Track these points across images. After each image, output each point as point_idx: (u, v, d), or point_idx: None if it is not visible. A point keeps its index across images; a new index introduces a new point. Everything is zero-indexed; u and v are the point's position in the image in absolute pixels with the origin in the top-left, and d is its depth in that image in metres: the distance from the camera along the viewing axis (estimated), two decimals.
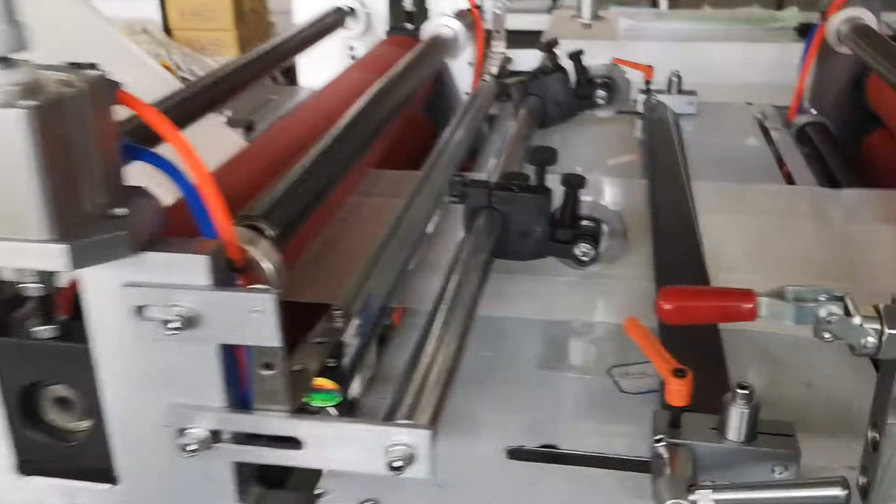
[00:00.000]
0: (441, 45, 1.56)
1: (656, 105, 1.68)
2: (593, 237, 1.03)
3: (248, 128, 1.59)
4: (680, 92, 1.72)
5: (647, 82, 1.70)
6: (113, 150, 0.61)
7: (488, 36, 1.84)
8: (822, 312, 0.53)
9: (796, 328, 0.55)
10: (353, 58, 1.86)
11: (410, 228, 1.07)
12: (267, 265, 0.67)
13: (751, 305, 0.54)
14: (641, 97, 1.69)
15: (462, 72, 1.85)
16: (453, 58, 1.65)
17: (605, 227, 1.06)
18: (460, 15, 1.74)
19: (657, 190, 1.29)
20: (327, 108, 1.31)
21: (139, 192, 0.63)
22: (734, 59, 1.98)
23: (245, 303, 0.59)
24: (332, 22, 1.75)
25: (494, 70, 1.76)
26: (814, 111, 1.72)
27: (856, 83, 1.69)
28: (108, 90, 0.60)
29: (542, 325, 0.96)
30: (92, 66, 0.61)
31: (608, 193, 1.36)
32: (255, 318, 0.60)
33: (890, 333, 0.51)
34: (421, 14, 1.83)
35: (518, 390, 0.85)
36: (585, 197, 1.06)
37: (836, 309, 0.53)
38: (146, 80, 1.20)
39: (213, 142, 1.24)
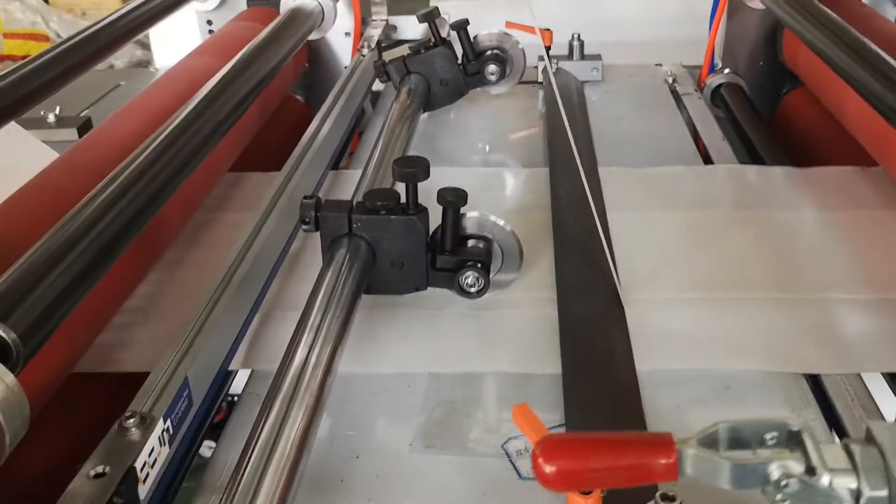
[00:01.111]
0: (304, 18, 1.33)
1: (557, 73, 1.50)
2: (481, 263, 0.84)
3: (84, 128, 1.34)
4: (583, 57, 1.54)
5: (547, 48, 1.51)
6: None
7: (367, 1, 1.62)
8: (774, 473, 0.36)
9: None
10: (210, 32, 1.62)
11: (259, 263, 0.87)
12: None
13: (669, 461, 0.36)
14: (541, 65, 1.50)
15: (341, 44, 1.63)
16: (321, 31, 1.42)
17: (495, 247, 0.88)
18: None
19: (558, 182, 1.11)
20: (158, 107, 1.08)
21: None
22: (641, 14, 1.81)
23: None
24: None
25: (375, 41, 1.54)
26: (727, 70, 1.56)
27: (770, 38, 1.53)
28: None
29: (424, 382, 0.78)
30: None
31: (503, 188, 1.18)
32: None
33: (873, 496, 0.34)
34: None
35: (391, 485, 0.66)
36: (471, 212, 0.87)
37: (792, 464, 0.36)
38: None
39: (11, 156, 0.99)
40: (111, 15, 1.39)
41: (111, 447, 0.58)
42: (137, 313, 0.88)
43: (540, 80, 1.52)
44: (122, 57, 3.16)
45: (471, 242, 0.87)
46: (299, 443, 0.59)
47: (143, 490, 0.59)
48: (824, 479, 0.35)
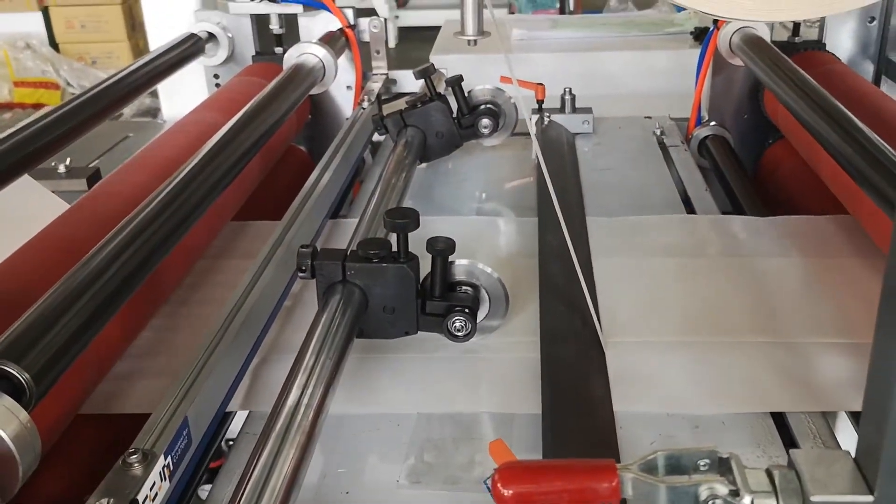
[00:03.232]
0: (306, 74, 1.40)
1: (549, 126, 1.56)
2: (468, 308, 0.89)
3: (93, 179, 1.40)
4: (574, 110, 1.60)
5: (539, 102, 1.58)
6: None
7: (368, 56, 1.70)
8: (703, 494, 0.40)
9: None
10: (217, 86, 1.69)
11: (257, 308, 0.92)
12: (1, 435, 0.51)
13: (611, 484, 0.41)
14: (534, 117, 1.57)
15: (344, 97, 1.70)
16: (323, 86, 1.49)
17: (482, 293, 0.92)
18: (331, 37, 1.59)
19: (546, 231, 1.16)
20: (164, 160, 1.14)
21: None
22: (631, 68, 1.88)
23: None
24: (189, 50, 1.57)
25: (375, 94, 1.61)
26: (713, 123, 1.62)
27: (753, 93, 1.60)
28: None
29: (413, 422, 0.82)
30: None
31: (495, 236, 1.23)
32: None
33: None
34: (291, 37, 1.67)
35: None
36: (460, 260, 0.92)
37: (719, 486, 0.40)
38: None
39: (22, 207, 1.05)
40: (122, 71, 1.46)
41: (115, 481, 0.62)
42: (141, 357, 0.93)
43: (531, 132, 1.58)
44: (132, 105, 3.25)
45: (460, 289, 0.92)
46: (290, 479, 0.63)
47: None
48: (745, 500, 0.39)
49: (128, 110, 3.57)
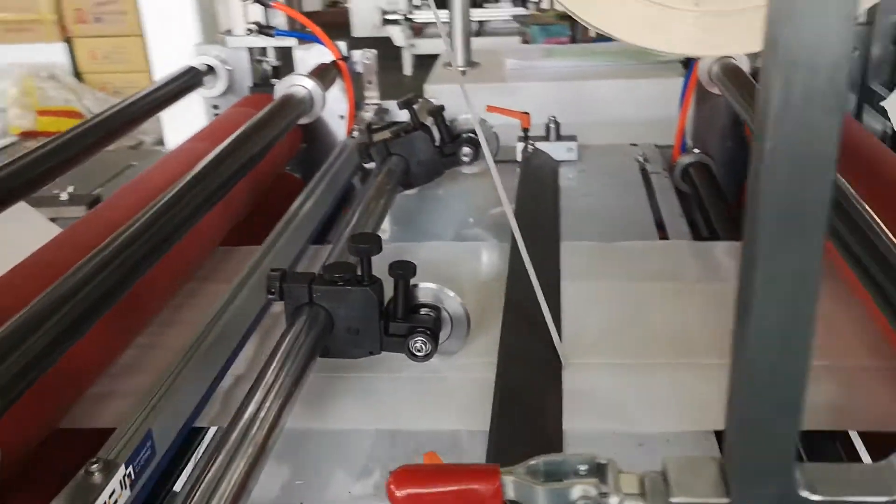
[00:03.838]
0: (295, 104, 1.46)
1: (534, 153, 1.61)
2: (429, 330, 0.93)
3: (93, 205, 1.47)
4: (559, 138, 1.65)
5: (525, 130, 1.63)
6: None
7: (360, 85, 1.75)
8: (576, 493, 0.44)
9: None
10: (216, 116, 1.76)
11: (229, 329, 0.96)
12: None
13: (495, 486, 0.45)
14: (520, 145, 1.61)
15: (337, 126, 1.76)
16: (311, 116, 1.55)
17: (444, 315, 0.96)
18: (324, 69, 1.65)
19: (516, 256, 1.20)
20: (156, 186, 1.20)
21: None
22: (621, 95, 1.92)
23: None
24: (187, 82, 1.64)
25: (366, 122, 1.66)
26: (697, 150, 1.66)
27: (736, 121, 1.63)
28: None
29: (370, 438, 0.86)
30: None
31: (470, 261, 1.27)
32: None
33: None
34: (287, 69, 1.73)
35: None
36: (428, 284, 0.96)
37: (590, 489, 0.44)
38: None
39: (18, 232, 1.11)
40: (123, 100, 1.53)
41: (76, 489, 0.67)
42: (122, 374, 0.97)
43: (517, 159, 1.62)
44: (150, 133, 3.33)
45: (423, 311, 0.96)
46: (239, 487, 0.67)
47: None
48: (613, 500, 0.43)
49: (148, 138, 3.67)
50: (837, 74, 0.32)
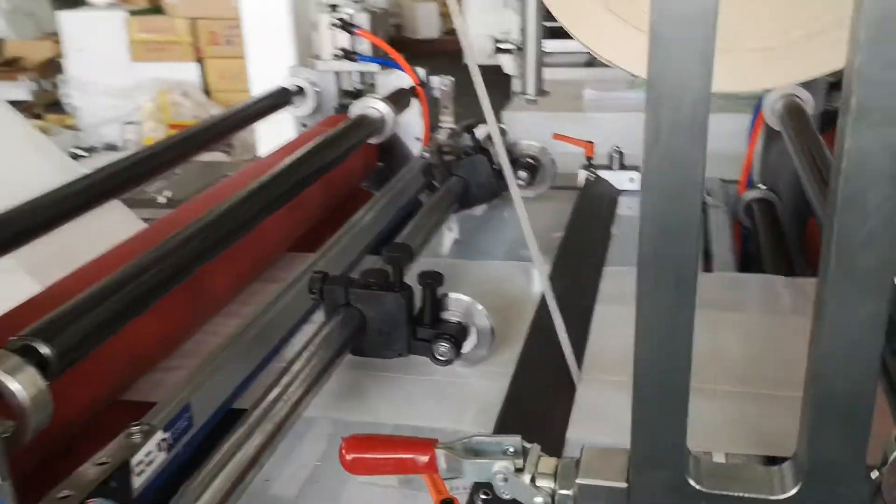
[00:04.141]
0: (367, 124, 1.57)
1: (595, 181, 1.65)
2: (454, 337, 1.00)
3: None
4: (622, 167, 1.69)
5: (589, 158, 1.68)
6: None
7: (436, 110, 1.85)
8: (495, 468, 0.50)
9: None
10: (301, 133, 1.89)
11: (275, 323, 1.07)
12: (21, 392, 0.67)
13: (428, 458, 0.51)
14: (582, 173, 1.67)
15: (413, 146, 1.86)
16: (383, 136, 1.65)
17: (473, 326, 1.03)
18: (402, 93, 1.75)
19: (557, 276, 1.25)
20: (234, 190, 1.32)
21: None
22: None
23: None
24: (278, 101, 1.78)
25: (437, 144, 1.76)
26: (763, 186, 1.66)
27: None
28: None
29: (388, 431, 0.93)
30: None
31: (512, 279, 1.34)
32: None
33: (562, 494, 0.47)
34: (371, 92, 1.85)
35: None
36: (459, 295, 1.03)
37: (509, 465, 0.50)
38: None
39: (109, 226, 1.25)
40: (219, 115, 1.69)
41: (117, 446, 0.77)
42: (184, 356, 1.09)
43: (579, 186, 1.68)
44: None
45: (453, 319, 1.03)
46: (251, 460, 0.76)
47: (138, 481, 0.77)
48: (525, 478, 0.49)
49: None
50: None
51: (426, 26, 7.99)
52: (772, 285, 1.25)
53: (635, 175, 1.68)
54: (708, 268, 1.36)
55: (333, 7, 1.71)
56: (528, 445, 0.52)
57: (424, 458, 0.51)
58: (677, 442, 0.45)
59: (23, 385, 0.67)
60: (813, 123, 1.39)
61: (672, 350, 0.44)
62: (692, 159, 0.39)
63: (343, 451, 0.52)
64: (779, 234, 1.49)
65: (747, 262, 1.52)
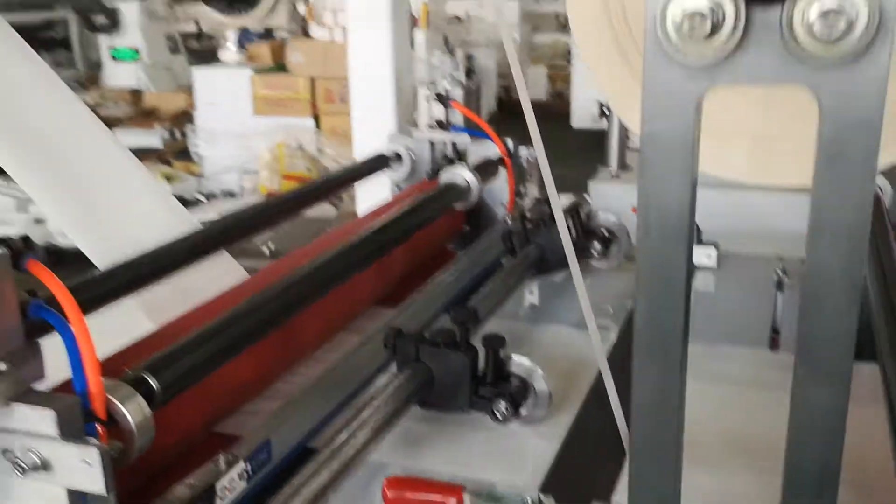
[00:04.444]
0: (453, 191, 1.69)
1: None
2: (513, 397, 1.08)
3: None
4: (700, 242, 1.73)
5: None
6: (10, 314, 0.77)
7: (521, 179, 1.95)
8: None
9: None
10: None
11: (353, 369, 1.18)
12: (129, 418, 0.79)
13: (456, 500, 0.60)
14: None
15: (499, 212, 1.96)
16: (469, 202, 1.76)
17: (532, 389, 1.11)
18: (490, 162, 1.87)
19: (622, 346, 1.32)
20: (324, 249, 1.46)
21: (31, 347, 0.78)
22: (772, 208, 1.96)
23: (77, 454, 0.72)
24: (377, 165, 1.93)
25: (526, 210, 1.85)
26: None
27: None
28: (5, 266, 0.76)
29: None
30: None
31: (581, 346, 1.40)
32: (85, 469, 0.71)
33: None
34: (463, 160, 1.97)
35: None
36: (521, 358, 1.12)
37: None
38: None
39: (216, 275, 1.40)
40: (324, 176, 1.85)
41: (205, 472, 0.89)
42: (272, 396, 1.22)
43: None
44: None
45: (513, 381, 1.12)
46: (314, 495, 0.86)
47: None
48: None
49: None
50: None
51: (534, 88, 8.19)
52: None
53: (712, 252, 1.72)
54: (774, 345, 1.38)
55: (432, 83, 1.85)
56: (544, 498, 0.59)
57: (453, 501, 0.60)
58: None
59: (131, 412, 0.80)
60: (888, 214, 1.41)
61: (663, 418, 0.51)
62: (678, 259, 0.47)
63: (385, 490, 0.62)
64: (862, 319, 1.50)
65: None
